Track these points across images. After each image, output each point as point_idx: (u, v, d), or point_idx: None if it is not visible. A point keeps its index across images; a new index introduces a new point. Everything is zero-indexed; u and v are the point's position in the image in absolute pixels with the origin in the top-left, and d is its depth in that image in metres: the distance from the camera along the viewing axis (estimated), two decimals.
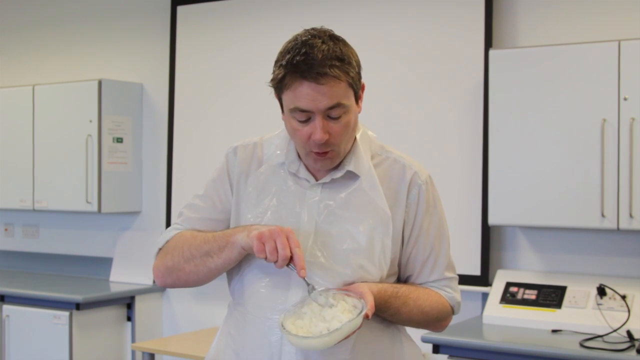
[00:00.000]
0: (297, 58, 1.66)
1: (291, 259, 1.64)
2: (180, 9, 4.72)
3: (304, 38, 1.70)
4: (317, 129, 1.69)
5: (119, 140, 4.82)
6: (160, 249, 1.89)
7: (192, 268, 1.80)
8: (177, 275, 1.83)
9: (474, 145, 3.78)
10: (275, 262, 1.64)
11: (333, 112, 1.70)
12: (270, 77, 1.75)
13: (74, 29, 5.26)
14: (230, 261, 1.75)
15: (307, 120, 1.70)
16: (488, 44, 3.75)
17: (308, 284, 1.68)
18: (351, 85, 1.72)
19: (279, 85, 1.72)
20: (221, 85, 4.56)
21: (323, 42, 1.69)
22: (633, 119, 3.21)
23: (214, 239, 1.76)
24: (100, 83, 4.70)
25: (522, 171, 3.43)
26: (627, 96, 3.23)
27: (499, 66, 3.50)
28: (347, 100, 1.71)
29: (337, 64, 1.68)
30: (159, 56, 4.86)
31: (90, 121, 4.71)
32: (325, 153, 1.74)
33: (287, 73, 1.68)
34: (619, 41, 3.25)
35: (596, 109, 3.28)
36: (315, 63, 1.65)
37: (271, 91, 1.79)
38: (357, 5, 4.14)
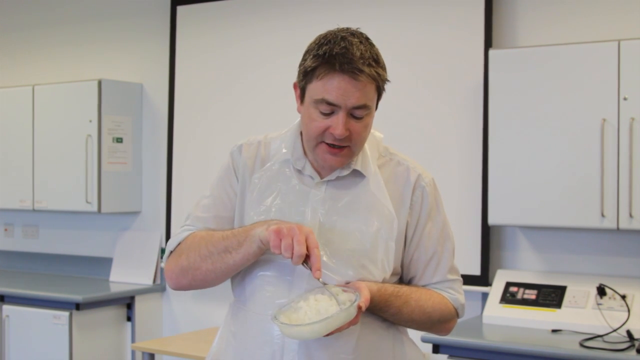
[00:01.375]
0: (336, 50, 1.67)
1: (308, 259, 1.63)
2: (180, 9, 4.72)
3: (342, 34, 1.71)
4: (339, 124, 1.69)
5: (119, 140, 4.82)
6: (172, 251, 1.86)
7: (209, 266, 1.77)
8: (192, 275, 1.80)
9: (474, 145, 3.78)
10: (291, 258, 1.62)
11: (358, 112, 1.70)
12: (300, 65, 1.74)
13: (74, 29, 5.26)
14: (249, 256, 1.72)
15: (329, 114, 1.70)
16: (488, 44, 3.75)
17: (324, 284, 1.67)
18: (378, 90, 1.73)
19: (309, 75, 1.71)
20: (221, 85, 4.56)
21: (361, 42, 1.70)
22: (633, 119, 3.21)
23: (233, 235, 1.74)
24: (100, 83, 4.70)
25: (522, 171, 3.43)
26: (627, 96, 3.22)
27: (499, 66, 3.50)
28: (372, 102, 1.73)
29: (374, 64, 1.69)
30: (159, 56, 4.86)
31: (90, 121, 4.71)
32: (341, 149, 1.73)
33: (322, 63, 1.68)
34: (619, 41, 3.25)
35: (596, 109, 3.28)
36: (354, 59, 1.66)
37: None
38: (356, 5, 4.13)
